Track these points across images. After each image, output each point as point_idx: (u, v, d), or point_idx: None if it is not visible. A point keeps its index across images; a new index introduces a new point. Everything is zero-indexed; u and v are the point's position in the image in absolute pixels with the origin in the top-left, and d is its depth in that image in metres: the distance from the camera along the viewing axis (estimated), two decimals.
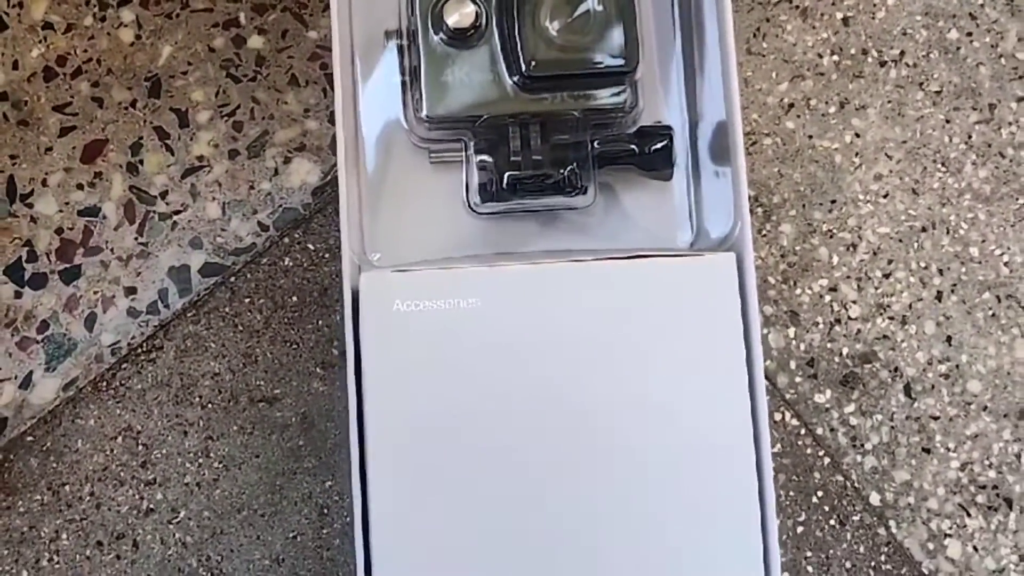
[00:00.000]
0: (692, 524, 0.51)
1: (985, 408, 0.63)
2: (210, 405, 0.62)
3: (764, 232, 0.65)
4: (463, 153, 0.60)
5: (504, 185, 0.57)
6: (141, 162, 0.63)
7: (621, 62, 0.59)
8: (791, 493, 0.62)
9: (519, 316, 0.52)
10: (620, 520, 0.51)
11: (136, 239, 0.63)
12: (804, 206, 0.65)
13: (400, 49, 0.59)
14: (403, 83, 0.60)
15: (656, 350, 0.53)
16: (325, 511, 0.61)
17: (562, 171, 0.57)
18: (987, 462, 0.63)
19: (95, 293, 0.62)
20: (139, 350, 0.62)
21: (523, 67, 0.58)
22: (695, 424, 0.52)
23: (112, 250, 0.62)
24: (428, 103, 0.59)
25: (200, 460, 0.62)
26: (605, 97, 0.59)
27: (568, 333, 0.52)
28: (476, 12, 0.59)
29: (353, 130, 0.61)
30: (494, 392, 0.51)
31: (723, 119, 0.57)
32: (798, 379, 0.64)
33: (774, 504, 0.50)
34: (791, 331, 0.64)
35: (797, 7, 0.67)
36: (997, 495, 0.63)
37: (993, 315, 0.64)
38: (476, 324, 0.51)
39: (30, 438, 0.61)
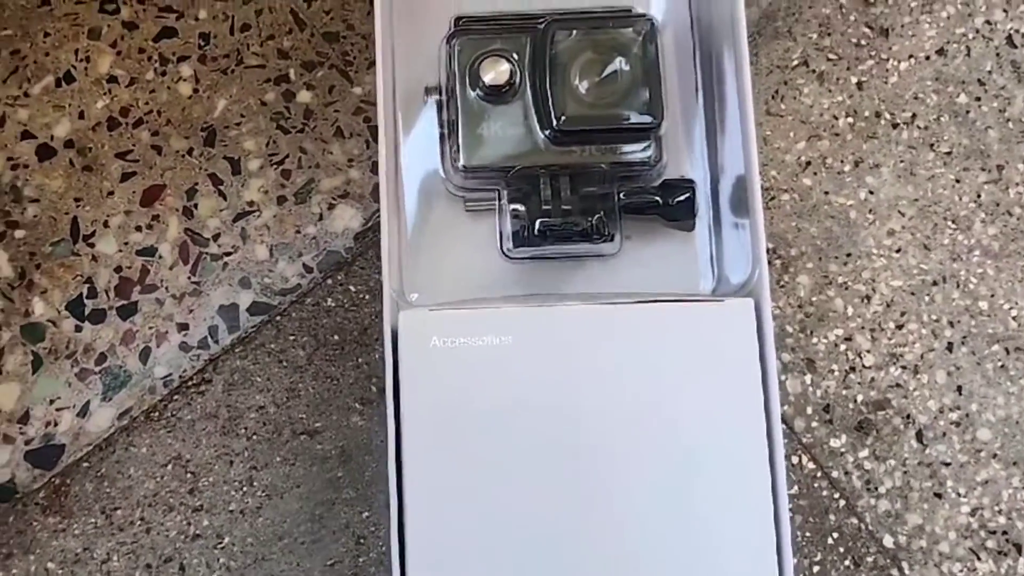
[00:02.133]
0: (712, 563, 0.52)
1: (995, 456, 0.64)
2: (255, 436, 0.63)
3: (782, 283, 0.67)
4: (497, 202, 0.63)
5: (536, 232, 0.59)
6: (196, 206, 0.65)
7: (647, 119, 0.61)
8: (807, 534, 0.63)
9: (549, 354, 0.53)
10: (642, 559, 0.52)
11: (189, 278, 0.64)
12: (820, 259, 0.66)
13: (439, 104, 0.60)
14: (441, 135, 0.61)
15: (677, 390, 0.54)
16: (362, 540, 0.63)
17: (590, 220, 0.60)
18: (997, 508, 0.63)
19: (150, 328, 0.63)
20: (189, 383, 0.63)
21: (554, 122, 0.58)
22: (714, 464, 0.53)
23: (167, 288, 0.64)
24: (465, 154, 0.61)
25: (245, 488, 0.63)
26: (631, 151, 0.62)
27: (594, 371, 0.54)
28: (511, 70, 0.61)
29: (395, 179, 0.64)
30: (525, 426, 0.53)
31: (742, 174, 0.59)
32: (814, 424, 0.64)
33: (790, 545, 0.51)
34: (808, 378, 0.65)
35: (814, 71, 0.69)
36: (1007, 540, 0.63)
37: (1002, 366, 0.65)
38: (509, 361, 0.52)
39: (86, 464, 0.62)
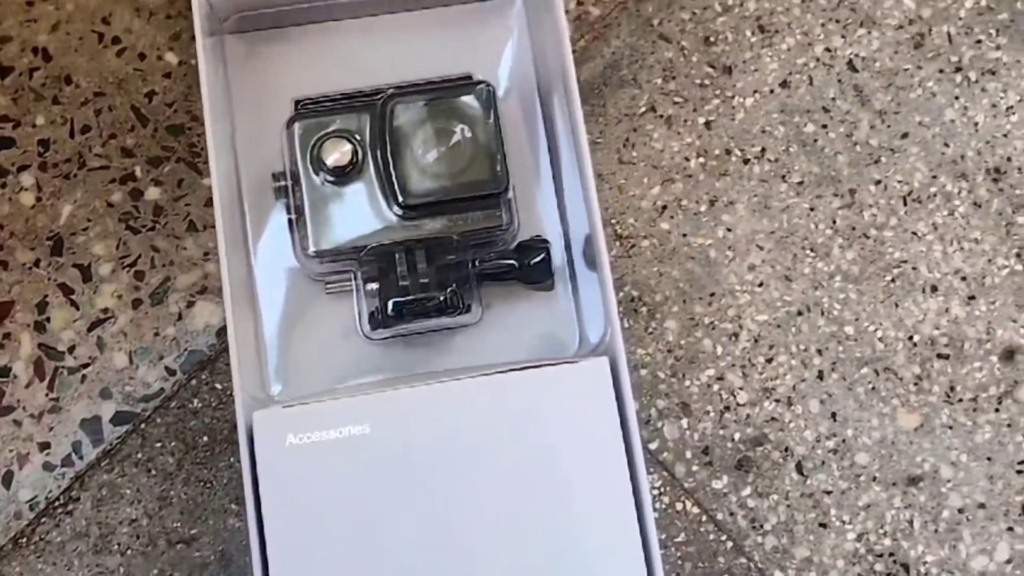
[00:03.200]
0: None
1: (874, 478, 0.63)
2: (129, 551, 0.59)
3: (650, 330, 0.66)
4: (353, 283, 0.62)
5: (389, 312, 0.56)
6: (48, 319, 0.62)
7: (492, 186, 0.61)
8: None
9: (408, 437, 0.51)
10: None
11: (47, 395, 0.61)
12: (685, 301, 0.65)
13: (284, 190, 0.59)
14: (290, 221, 0.59)
15: (542, 456, 0.53)
16: None
17: (444, 294, 0.59)
18: (882, 531, 0.62)
19: (11, 451, 0.60)
20: (56, 503, 0.60)
21: (399, 198, 0.57)
22: (585, 520, 0.52)
23: (24, 408, 0.61)
24: (314, 239, 0.58)
25: None
26: (482, 218, 0.62)
27: (455, 448, 0.52)
28: (353, 150, 0.60)
29: (245, 270, 0.62)
30: (388, 513, 0.51)
31: (588, 232, 0.59)
32: (695, 467, 0.63)
33: None
34: (684, 422, 0.64)
35: (661, 116, 0.69)
36: (894, 562, 0.62)
37: (873, 388, 0.65)
38: (367, 450, 0.50)
39: None
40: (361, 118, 0.60)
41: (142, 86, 0.67)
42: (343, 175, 0.59)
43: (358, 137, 0.59)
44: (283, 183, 0.60)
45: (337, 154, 0.59)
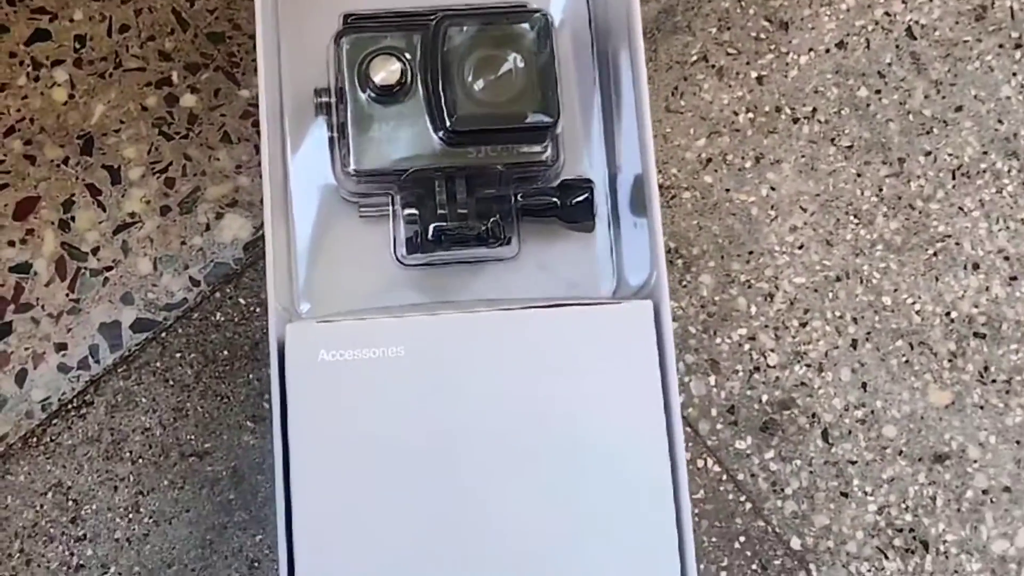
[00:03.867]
0: (614, 570, 0.51)
1: (901, 452, 0.62)
2: (141, 460, 0.58)
3: (684, 283, 0.64)
4: (391, 207, 0.61)
5: (429, 237, 0.55)
6: (73, 219, 0.60)
7: (542, 118, 0.59)
8: (714, 539, 0.60)
9: (443, 364, 0.49)
10: (544, 568, 0.51)
11: (67, 295, 0.59)
12: (723, 257, 0.64)
13: (328, 106, 0.57)
14: (331, 139, 0.57)
15: (577, 395, 0.52)
16: (256, 564, 0.59)
17: (486, 223, 0.58)
18: (903, 505, 0.61)
19: (26, 350, 0.59)
20: (69, 406, 0.58)
21: (447, 123, 0.55)
22: (616, 469, 0.51)
23: (43, 306, 0.59)
24: (355, 158, 0.55)
25: (130, 515, 0.58)
26: (528, 151, 0.60)
27: (491, 380, 0.51)
28: (402, 69, 0.59)
29: (282, 185, 0.60)
30: (419, 440, 0.48)
31: (639, 173, 0.58)
32: (719, 426, 0.61)
33: (694, 551, 0.50)
34: (712, 379, 0.62)
35: (713, 66, 0.68)
36: (914, 538, 0.61)
37: (907, 362, 0.64)
38: (401, 372, 0.49)
39: None
40: (412, 38, 0.58)
41: None
42: (390, 94, 0.57)
43: (408, 57, 0.57)
44: (326, 99, 0.58)
45: (385, 72, 0.57)
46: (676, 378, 0.49)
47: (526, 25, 0.58)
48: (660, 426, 0.50)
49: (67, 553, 0.57)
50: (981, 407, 0.62)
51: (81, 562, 0.57)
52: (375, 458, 0.49)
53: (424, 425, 0.49)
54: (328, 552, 0.48)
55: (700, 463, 0.60)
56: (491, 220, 0.56)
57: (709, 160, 0.64)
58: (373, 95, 0.57)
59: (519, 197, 0.58)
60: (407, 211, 0.57)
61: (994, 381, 0.62)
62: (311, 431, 0.49)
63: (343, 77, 0.57)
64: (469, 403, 0.50)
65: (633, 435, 0.50)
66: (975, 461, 0.61)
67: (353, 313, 0.54)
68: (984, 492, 0.61)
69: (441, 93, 0.56)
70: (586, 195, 0.58)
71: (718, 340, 0.62)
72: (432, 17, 0.58)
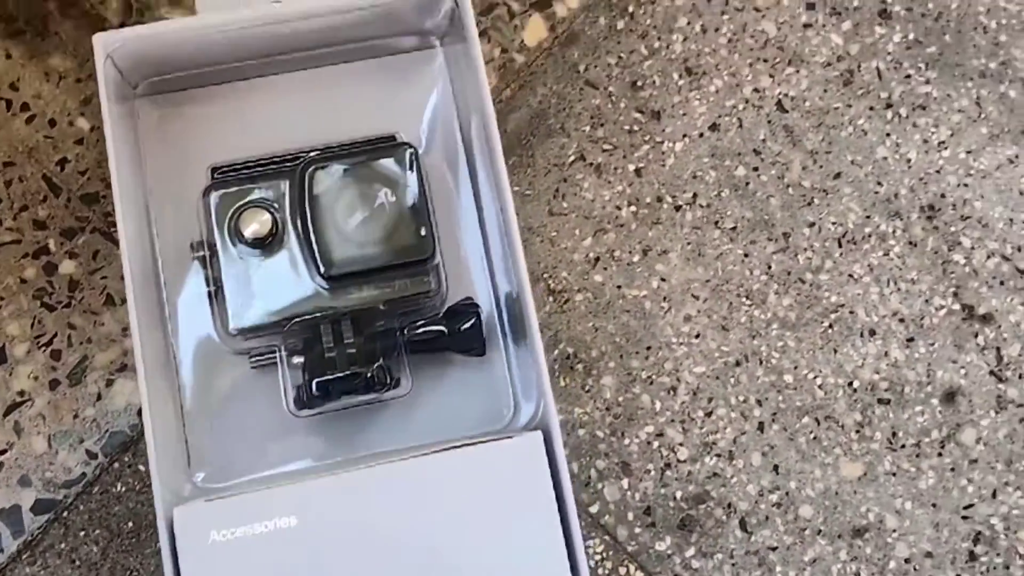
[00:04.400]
0: None
1: (819, 532, 0.61)
2: None
3: (587, 387, 0.64)
4: (278, 355, 0.60)
5: (314, 392, 0.54)
6: None
7: (418, 252, 0.59)
8: None
9: (337, 526, 0.48)
10: None
11: None
12: (621, 356, 0.63)
13: (203, 261, 0.56)
14: (209, 294, 0.56)
15: (477, 535, 0.50)
16: None
17: (371, 370, 0.57)
18: None
19: None
20: None
21: (321, 269, 0.55)
22: None
23: None
24: (234, 315, 0.54)
25: None
26: (409, 286, 0.60)
27: (388, 533, 0.48)
28: (272, 220, 0.58)
29: (162, 349, 0.59)
30: None
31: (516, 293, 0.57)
32: (637, 529, 0.60)
33: None
34: (625, 482, 0.61)
35: (591, 164, 0.67)
36: None
37: (815, 438, 0.63)
38: (295, 542, 0.48)
39: None
40: (280, 185, 0.57)
41: (53, 154, 0.64)
42: (263, 246, 0.56)
43: (277, 206, 0.57)
44: (202, 253, 0.57)
45: (256, 225, 0.56)
46: (573, 500, 0.49)
47: (392, 160, 0.57)
48: (561, 553, 0.50)
49: None
50: (894, 474, 0.62)
51: None
52: None
53: None
54: None
55: (622, 570, 0.60)
56: (375, 365, 0.55)
57: (597, 259, 0.64)
58: (247, 248, 0.56)
59: (406, 331, 0.57)
60: (294, 359, 0.57)
61: (903, 446, 0.62)
62: None
63: (214, 233, 0.56)
64: (369, 561, 0.49)
65: (537, 563, 0.50)
66: (894, 530, 0.61)
67: (250, 480, 0.54)
68: (906, 561, 0.61)
69: (313, 239, 0.56)
70: (473, 319, 0.58)
71: (626, 441, 0.62)
72: (298, 162, 0.57)
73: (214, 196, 0.57)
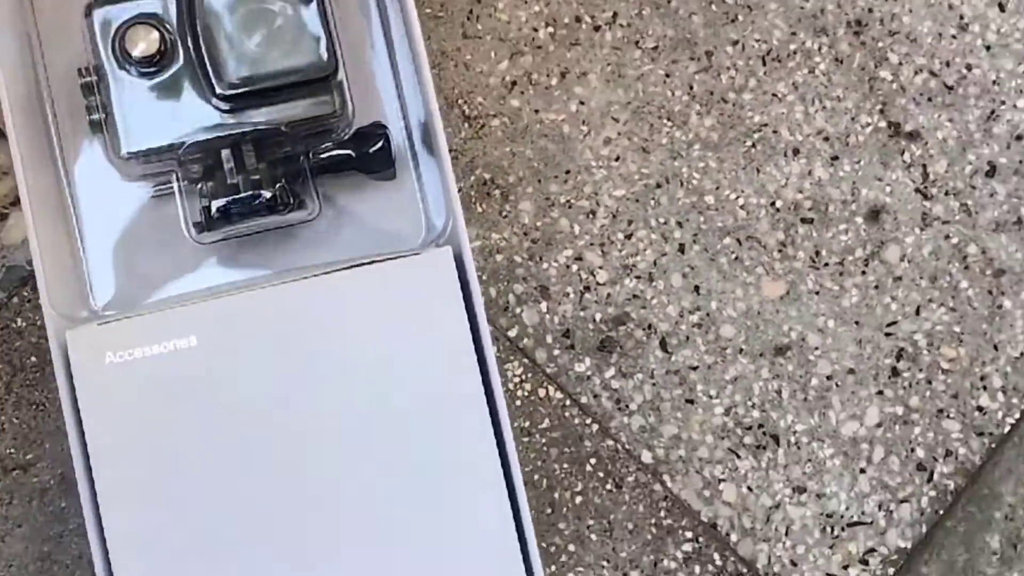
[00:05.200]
0: (445, 529, 0.47)
1: (741, 351, 0.60)
2: None
3: (504, 213, 0.61)
4: (175, 185, 0.58)
5: (213, 215, 0.51)
6: None
7: (318, 70, 0.56)
8: (564, 465, 0.58)
9: (239, 347, 0.47)
10: (369, 531, 0.47)
11: None
12: (540, 181, 0.60)
13: (90, 86, 0.53)
14: (96, 122, 0.53)
15: (387, 356, 0.49)
16: None
17: (272, 190, 0.55)
18: (750, 403, 0.59)
19: None
20: None
21: (215, 88, 0.51)
22: (437, 422, 0.49)
23: None
24: (125, 140, 0.51)
25: None
26: (312, 105, 0.57)
27: (293, 355, 0.47)
28: (160, 38, 0.55)
29: (51, 180, 0.56)
30: (223, 429, 0.46)
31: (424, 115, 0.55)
32: (556, 352, 0.59)
33: (525, 498, 0.48)
34: (543, 305, 0.59)
35: None
36: (764, 433, 0.59)
37: (736, 259, 0.61)
38: (195, 363, 0.46)
39: None
40: (167, 0, 0.54)
41: None
42: (153, 66, 0.53)
43: (167, 24, 0.54)
44: (89, 79, 0.54)
45: (143, 44, 0.53)
46: (485, 320, 0.47)
47: None
48: (474, 370, 0.48)
49: None
50: (816, 293, 0.61)
51: None
52: (177, 453, 0.46)
53: (228, 415, 0.47)
54: (145, 560, 0.46)
55: (541, 392, 0.59)
56: (277, 186, 0.53)
57: (514, 83, 0.62)
58: (136, 69, 0.53)
59: (312, 154, 0.55)
60: (199, 186, 0.54)
61: (826, 265, 0.61)
62: (109, 436, 0.46)
63: (99, 54, 0.53)
64: (273, 383, 0.48)
65: (450, 383, 0.49)
66: (816, 348, 0.61)
67: (151, 305, 0.52)
68: (828, 378, 0.60)
69: (206, 57, 0.53)
70: (381, 142, 0.55)
71: (545, 265, 0.60)
72: None
73: (97, 14, 0.53)
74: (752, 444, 0.59)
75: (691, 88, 0.62)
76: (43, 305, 0.47)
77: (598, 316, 0.59)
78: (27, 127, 0.51)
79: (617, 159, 0.60)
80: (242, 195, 0.52)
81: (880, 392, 0.60)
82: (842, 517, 0.58)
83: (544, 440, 0.58)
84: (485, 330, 0.48)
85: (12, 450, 0.55)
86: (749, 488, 0.58)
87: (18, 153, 0.48)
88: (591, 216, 0.60)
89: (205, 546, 0.46)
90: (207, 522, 0.46)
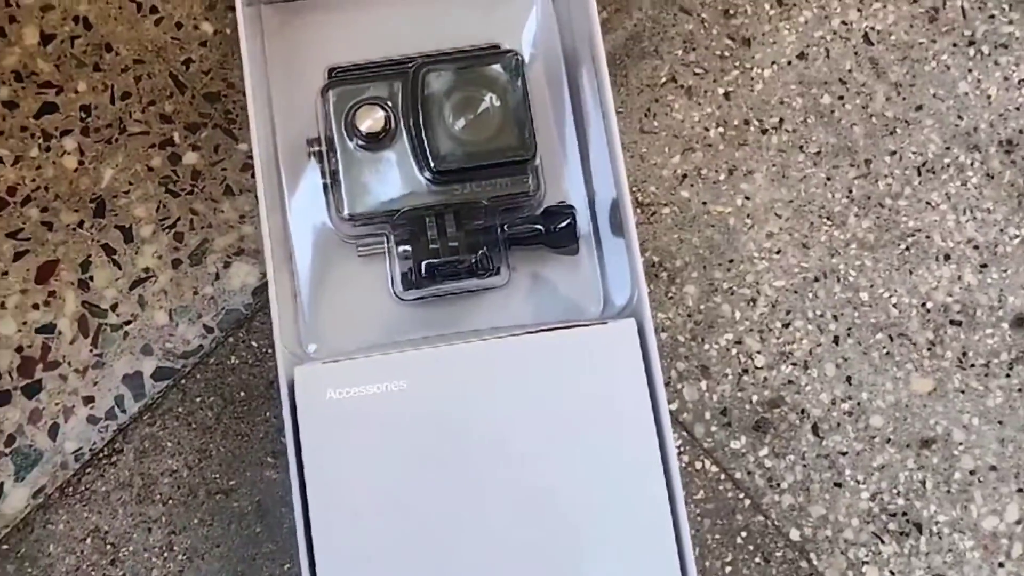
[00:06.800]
0: None
1: (888, 440, 0.62)
2: (171, 501, 0.59)
3: (670, 294, 0.65)
4: (386, 246, 0.62)
5: (422, 273, 0.56)
6: (91, 278, 0.61)
7: (520, 152, 0.60)
8: (717, 536, 0.61)
9: (443, 393, 0.50)
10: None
11: (91, 351, 0.61)
12: (705, 267, 0.65)
13: (319, 155, 0.58)
14: (325, 186, 0.59)
15: (571, 414, 0.50)
16: None
17: (475, 256, 0.58)
18: (895, 491, 0.61)
19: (56, 405, 0.60)
20: (100, 455, 0.60)
21: (431, 164, 0.56)
22: (613, 478, 0.52)
23: (69, 363, 0.61)
24: (348, 203, 0.57)
25: (165, 554, 0.59)
26: (510, 184, 0.62)
27: (489, 404, 0.50)
28: (386, 117, 0.60)
29: (282, 232, 0.62)
30: (426, 465, 0.49)
31: (615, 196, 0.60)
32: (714, 428, 0.62)
33: (692, 555, 0.51)
34: (703, 384, 0.63)
35: (682, 87, 0.68)
36: (907, 520, 0.61)
37: (888, 353, 0.64)
38: (405, 404, 0.50)
39: (5, 546, 0.58)
40: (393, 86, 0.59)
41: (179, 54, 0.66)
42: (376, 141, 0.58)
43: (390, 104, 0.59)
44: (318, 148, 0.60)
45: (370, 120, 0.58)
46: (663, 388, 0.50)
47: (499, 66, 0.59)
48: (651, 434, 0.51)
49: None
50: (962, 391, 0.63)
51: None
52: (386, 482, 0.50)
53: (429, 451, 0.51)
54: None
55: (698, 465, 0.62)
56: (479, 252, 0.57)
57: (685, 176, 0.66)
58: (361, 143, 0.58)
59: (505, 227, 0.59)
60: (401, 248, 0.59)
61: (972, 366, 0.63)
62: (325, 464, 0.50)
63: (331, 127, 0.59)
64: (469, 428, 0.51)
65: (627, 444, 0.51)
66: (960, 443, 0.62)
67: (359, 351, 0.56)
68: (971, 472, 0.62)
69: (424, 137, 0.58)
70: (568, 220, 0.60)
71: (706, 346, 0.63)
72: (410, 65, 0.60)
73: (332, 93, 0.59)
74: (896, 530, 0.61)
75: (850, 192, 0.65)
76: (275, 342, 0.51)
77: (755, 398, 0.62)
78: (269, 188, 0.56)
79: (778, 252, 0.64)
80: (449, 258, 0.56)
81: (1020, 490, 0.61)
82: None
83: (699, 511, 0.61)
84: (663, 400, 0.51)
85: (217, 475, 0.60)
86: (891, 572, 0.60)
87: (264, 208, 0.53)
88: (752, 303, 0.63)
89: (399, 566, 0.50)
90: (403, 546, 0.50)
